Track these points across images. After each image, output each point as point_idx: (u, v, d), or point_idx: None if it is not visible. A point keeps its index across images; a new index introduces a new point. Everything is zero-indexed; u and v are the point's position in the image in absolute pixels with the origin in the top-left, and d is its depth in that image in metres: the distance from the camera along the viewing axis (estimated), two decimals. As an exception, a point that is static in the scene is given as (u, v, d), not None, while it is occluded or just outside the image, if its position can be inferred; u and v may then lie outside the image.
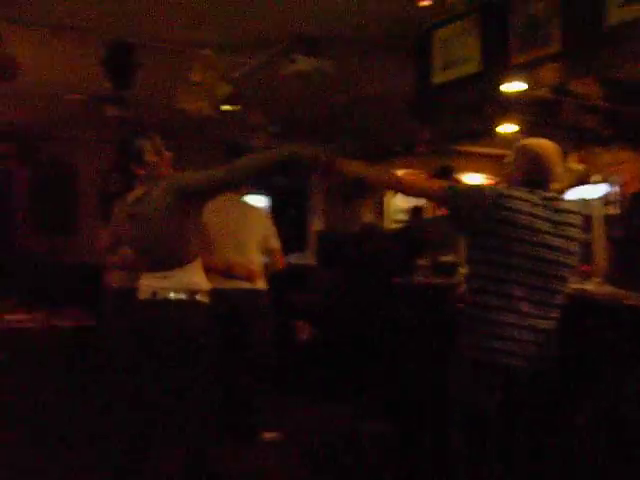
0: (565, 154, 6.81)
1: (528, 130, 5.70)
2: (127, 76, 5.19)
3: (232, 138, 8.37)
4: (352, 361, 5.39)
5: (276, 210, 8.34)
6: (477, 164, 9.24)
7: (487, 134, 5.96)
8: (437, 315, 3.96)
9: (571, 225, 2.89)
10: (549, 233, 2.82)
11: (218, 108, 5.24)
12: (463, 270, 4.20)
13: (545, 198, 2.87)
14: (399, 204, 9.17)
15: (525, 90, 4.30)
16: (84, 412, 4.69)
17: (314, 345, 5.88)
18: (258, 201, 7.29)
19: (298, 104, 6.72)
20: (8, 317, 4.53)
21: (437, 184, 3.20)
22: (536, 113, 5.15)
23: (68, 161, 8.82)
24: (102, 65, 5.11)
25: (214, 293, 3.28)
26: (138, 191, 3.25)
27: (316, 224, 9.78)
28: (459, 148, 8.30)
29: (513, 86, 4.25)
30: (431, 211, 9.11)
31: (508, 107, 4.97)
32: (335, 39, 4.80)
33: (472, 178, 9.29)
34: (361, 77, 5.83)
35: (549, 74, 4.00)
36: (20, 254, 8.55)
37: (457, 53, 4.29)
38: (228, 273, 4.22)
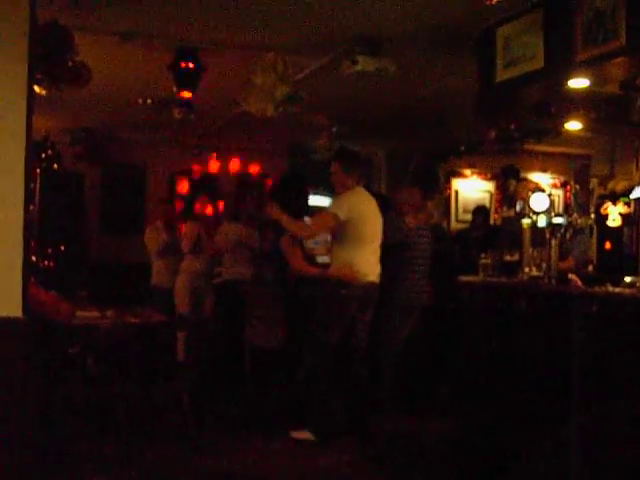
0: (636, 152, 6.65)
1: (594, 127, 5.58)
2: (192, 79, 5.31)
3: (297, 139, 8.49)
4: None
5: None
6: (542, 163, 9.09)
7: (553, 132, 5.84)
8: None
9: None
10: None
11: (279, 109, 5.29)
12: (527, 270, 4.17)
13: None
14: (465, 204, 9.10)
15: (591, 86, 4.22)
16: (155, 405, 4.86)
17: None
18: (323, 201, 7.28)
19: (361, 104, 6.72)
20: (80, 314, 4.66)
21: None
22: (603, 110, 5.03)
23: (137, 163, 9.07)
24: (168, 69, 5.25)
25: None
26: None
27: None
28: (524, 147, 8.17)
29: (579, 82, 4.18)
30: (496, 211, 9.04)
31: (574, 104, 4.87)
32: (397, 39, 4.79)
33: (538, 177, 9.15)
34: (424, 76, 5.80)
35: (616, 69, 3.91)
36: (91, 253, 8.83)
37: (520, 50, 4.22)
38: None
